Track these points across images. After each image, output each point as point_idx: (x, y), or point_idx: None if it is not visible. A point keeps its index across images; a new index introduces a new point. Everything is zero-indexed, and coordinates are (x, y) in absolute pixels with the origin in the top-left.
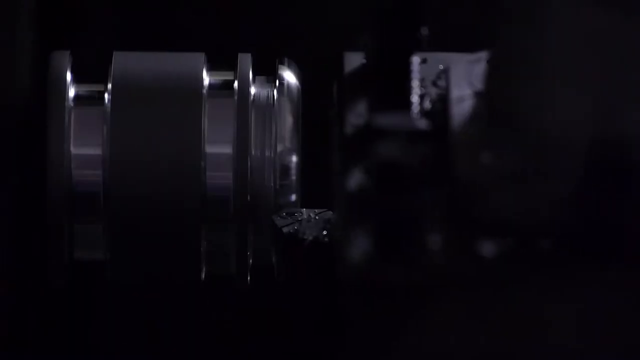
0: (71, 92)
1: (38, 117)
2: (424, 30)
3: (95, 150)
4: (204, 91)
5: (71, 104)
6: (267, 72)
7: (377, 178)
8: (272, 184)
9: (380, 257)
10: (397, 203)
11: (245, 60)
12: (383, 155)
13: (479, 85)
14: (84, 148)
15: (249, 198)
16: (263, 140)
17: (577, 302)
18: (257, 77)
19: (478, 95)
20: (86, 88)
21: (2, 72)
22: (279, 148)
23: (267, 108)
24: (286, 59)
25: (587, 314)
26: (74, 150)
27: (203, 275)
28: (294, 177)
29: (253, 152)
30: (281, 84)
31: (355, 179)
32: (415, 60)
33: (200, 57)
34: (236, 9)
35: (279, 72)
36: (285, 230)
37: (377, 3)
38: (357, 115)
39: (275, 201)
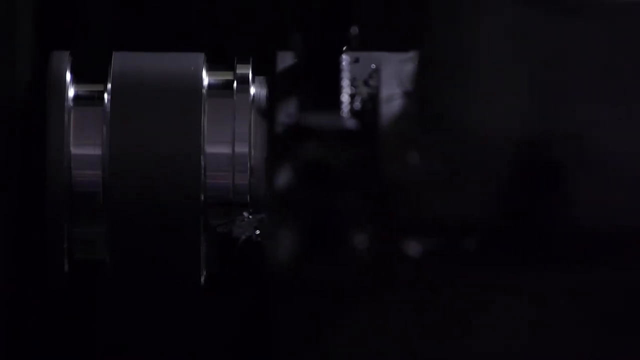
0: (71, 92)
1: (38, 117)
2: (354, 30)
3: (95, 150)
4: (204, 91)
5: (71, 104)
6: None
7: (306, 177)
8: None
9: (308, 256)
10: (326, 202)
11: (244, 60)
12: (312, 154)
13: (408, 85)
14: (83, 148)
15: (248, 198)
16: (262, 140)
17: (503, 302)
18: (257, 77)
19: (407, 95)
20: (86, 88)
21: (2, 72)
22: None
23: (266, 108)
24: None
25: (513, 314)
26: (73, 150)
27: (202, 279)
28: None
29: (252, 152)
30: None
31: (285, 178)
32: (346, 59)
33: (200, 57)
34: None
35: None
36: (219, 229)
37: (307, 2)
38: (287, 114)
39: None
